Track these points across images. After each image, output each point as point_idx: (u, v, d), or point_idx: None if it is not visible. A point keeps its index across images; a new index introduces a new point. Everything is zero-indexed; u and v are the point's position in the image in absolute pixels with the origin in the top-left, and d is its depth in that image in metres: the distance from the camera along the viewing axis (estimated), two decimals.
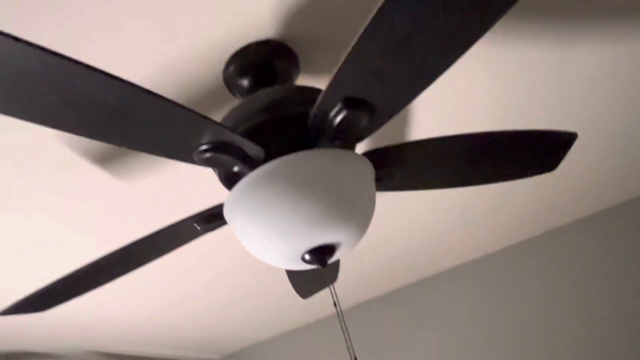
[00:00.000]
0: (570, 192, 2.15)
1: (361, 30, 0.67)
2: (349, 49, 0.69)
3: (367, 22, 0.66)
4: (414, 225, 2.08)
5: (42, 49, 0.53)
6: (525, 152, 1.14)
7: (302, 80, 1.15)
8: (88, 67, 0.56)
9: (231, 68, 1.04)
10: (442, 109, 1.40)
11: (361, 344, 2.78)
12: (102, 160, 1.22)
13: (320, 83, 1.16)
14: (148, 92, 0.63)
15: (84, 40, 0.91)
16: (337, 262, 1.45)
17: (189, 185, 1.41)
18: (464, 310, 2.61)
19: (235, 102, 1.14)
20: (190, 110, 0.69)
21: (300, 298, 2.57)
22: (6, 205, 1.28)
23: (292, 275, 1.41)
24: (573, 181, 2.05)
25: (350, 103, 0.78)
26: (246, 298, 2.36)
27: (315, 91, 0.90)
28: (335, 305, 0.85)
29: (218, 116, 1.17)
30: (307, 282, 1.48)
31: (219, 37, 0.99)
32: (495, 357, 2.47)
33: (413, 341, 2.67)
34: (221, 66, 1.05)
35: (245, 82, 1.05)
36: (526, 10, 1.14)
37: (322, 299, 2.65)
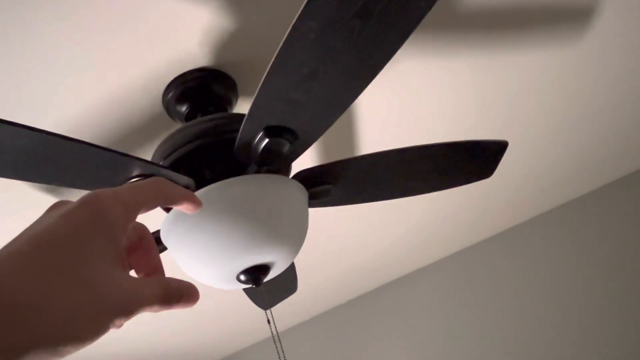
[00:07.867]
0: (514, 196, 2.22)
1: (269, 65, 0.71)
2: (261, 82, 0.73)
3: (273, 58, 0.70)
4: (369, 234, 2.13)
5: None
6: (461, 162, 1.19)
7: (242, 103, 1.19)
8: None
9: (169, 96, 1.08)
10: (384, 121, 1.45)
11: (337, 346, 2.83)
12: (53, 190, 1.25)
13: None
14: (64, 137, 0.66)
15: (13, 86, 0.94)
16: (294, 273, 1.49)
17: None
18: (419, 319, 2.67)
19: (177, 126, 1.18)
20: (111, 151, 0.72)
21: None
22: None
23: (248, 289, 1.45)
24: (515, 185, 2.12)
25: (271, 131, 0.82)
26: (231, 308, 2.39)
27: (242, 119, 0.94)
28: (269, 322, 0.89)
29: (160, 140, 1.21)
30: (266, 294, 1.52)
31: (155, 68, 1.02)
32: None
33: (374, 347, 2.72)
34: (160, 94, 1.09)
35: (183, 108, 1.08)
36: (454, 22, 1.19)
37: (290, 305, 2.69)
